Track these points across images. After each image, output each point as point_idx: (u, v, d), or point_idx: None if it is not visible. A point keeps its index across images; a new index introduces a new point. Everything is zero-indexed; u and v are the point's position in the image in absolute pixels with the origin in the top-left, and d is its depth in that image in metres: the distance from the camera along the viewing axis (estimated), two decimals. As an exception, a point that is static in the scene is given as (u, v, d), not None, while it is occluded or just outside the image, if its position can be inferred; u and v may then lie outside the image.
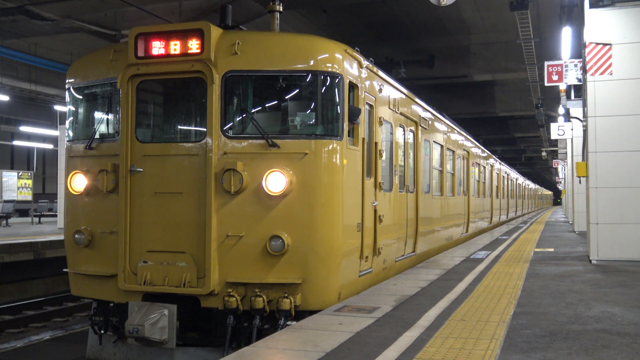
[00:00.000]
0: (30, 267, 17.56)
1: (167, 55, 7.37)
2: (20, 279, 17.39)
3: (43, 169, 47.81)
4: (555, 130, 24.36)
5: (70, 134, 8.36)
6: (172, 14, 16.41)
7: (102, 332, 7.88)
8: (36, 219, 32.34)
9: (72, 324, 14.45)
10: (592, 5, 11.78)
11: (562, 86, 20.33)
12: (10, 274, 16.94)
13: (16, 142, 41.06)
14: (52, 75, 25.88)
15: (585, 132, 12.92)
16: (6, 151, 45.02)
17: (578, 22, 15.28)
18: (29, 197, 31.37)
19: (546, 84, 19.09)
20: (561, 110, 24.88)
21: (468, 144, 19.28)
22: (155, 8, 16.00)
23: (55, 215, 31.00)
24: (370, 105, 8.63)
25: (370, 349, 5.25)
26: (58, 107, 28.35)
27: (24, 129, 35.56)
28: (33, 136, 41.79)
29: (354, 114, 7.68)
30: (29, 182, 31.22)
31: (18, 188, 30.47)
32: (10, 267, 16.77)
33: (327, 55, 7.41)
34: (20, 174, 31.65)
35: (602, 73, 11.57)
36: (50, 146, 38.37)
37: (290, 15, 18.34)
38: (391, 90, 9.77)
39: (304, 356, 5.08)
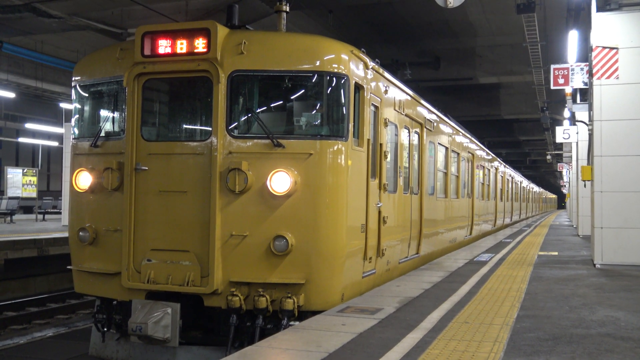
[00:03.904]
0: (34, 264, 17.60)
1: (174, 54, 7.39)
2: (23, 276, 17.43)
3: (48, 166, 47.92)
4: (561, 133, 24.33)
5: (76, 131, 8.37)
6: (179, 12, 16.45)
7: (105, 329, 7.90)
8: (40, 216, 32.42)
9: (75, 321, 14.47)
10: (599, 9, 11.76)
11: (568, 89, 20.33)
12: (14, 271, 16.99)
13: (21, 139, 41.15)
14: (58, 73, 25.97)
15: (590, 135, 12.89)
16: (11, 148, 45.19)
17: (585, 26, 15.25)
18: (34, 194, 31.43)
19: (552, 87, 19.11)
20: (567, 113, 24.86)
21: (473, 146, 19.26)
22: (161, 7, 16.04)
23: (60, 213, 31.06)
24: (376, 107, 8.62)
25: (373, 350, 5.25)
26: (64, 105, 28.45)
27: (29, 126, 35.65)
28: (38, 133, 41.94)
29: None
30: (34, 179, 31.27)
31: (23, 185, 30.51)
32: (14, 264, 16.82)
33: (333, 56, 7.40)
34: (25, 170, 31.69)
35: (608, 77, 11.54)
36: (55, 143, 38.44)
37: (296, 15, 18.35)
38: (396, 92, 9.77)
39: (307, 356, 5.08)
